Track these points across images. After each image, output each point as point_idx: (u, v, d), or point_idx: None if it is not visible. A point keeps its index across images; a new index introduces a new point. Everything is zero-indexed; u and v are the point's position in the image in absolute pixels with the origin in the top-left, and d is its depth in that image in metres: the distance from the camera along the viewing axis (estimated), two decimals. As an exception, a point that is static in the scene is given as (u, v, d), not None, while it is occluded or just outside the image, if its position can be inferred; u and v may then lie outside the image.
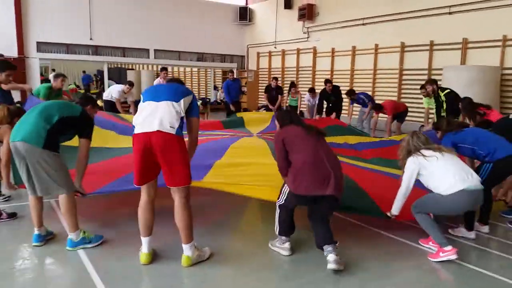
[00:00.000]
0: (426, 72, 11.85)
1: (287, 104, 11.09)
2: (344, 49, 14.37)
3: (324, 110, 10.41)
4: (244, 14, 18.47)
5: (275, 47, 17.59)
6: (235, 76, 10.84)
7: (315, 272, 3.17)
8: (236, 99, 11.08)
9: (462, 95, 9.36)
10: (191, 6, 17.55)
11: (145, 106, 3.12)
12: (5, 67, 5.59)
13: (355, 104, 10.95)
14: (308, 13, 15.28)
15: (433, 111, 7.65)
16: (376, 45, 13.23)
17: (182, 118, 3.11)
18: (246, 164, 4.43)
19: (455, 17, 11.10)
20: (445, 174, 3.34)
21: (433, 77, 11.66)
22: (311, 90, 10.51)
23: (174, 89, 3.22)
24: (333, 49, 14.82)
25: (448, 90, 7.18)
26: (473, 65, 10.29)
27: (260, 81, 18.89)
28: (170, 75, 24.75)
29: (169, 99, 3.09)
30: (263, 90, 11.51)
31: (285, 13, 16.66)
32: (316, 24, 15.45)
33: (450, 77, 10.00)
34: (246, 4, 18.99)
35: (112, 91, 9.30)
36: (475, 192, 3.35)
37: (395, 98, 12.80)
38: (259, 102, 18.85)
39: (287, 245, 3.45)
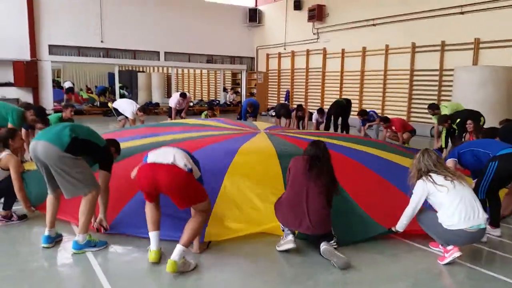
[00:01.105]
0: (437, 73, 11.73)
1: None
2: (354, 50, 14.30)
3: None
4: (254, 16, 18.49)
5: (284, 49, 17.57)
6: (252, 109, 11.12)
7: (323, 275, 3.14)
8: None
9: (474, 96, 9.33)
10: (201, 8, 17.65)
11: (159, 148, 3.35)
12: (42, 114, 6.03)
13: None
14: (317, 14, 15.23)
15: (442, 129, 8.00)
16: (387, 46, 13.13)
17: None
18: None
19: (467, 17, 10.96)
20: (452, 212, 3.30)
21: (444, 78, 11.57)
22: (320, 111, 10.60)
23: (185, 150, 3.39)
24: (343, 50, 14.75)
25: (459, 119, 7.39)
26: (485, 65, 10.14)
27: (269, 83, 18.88)
28: (179, 76, 24.81)
29: (181, 150, 3.30)
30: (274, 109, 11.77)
31: (294, 14, 16.64)
32: (326, 25, 15.40)
33: (462, 77, 9.88)
34: (256, 5, 19.02)
35: (126, 110, 9.34)
36: (475, 233, 3.33)
37: (405, 100, 12.71)
38: (269, 104, 18.85)
39: (290, 237, 3.46)
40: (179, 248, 3.08)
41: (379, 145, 6.49)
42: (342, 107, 10.50)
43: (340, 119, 10.70)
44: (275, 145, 5.43)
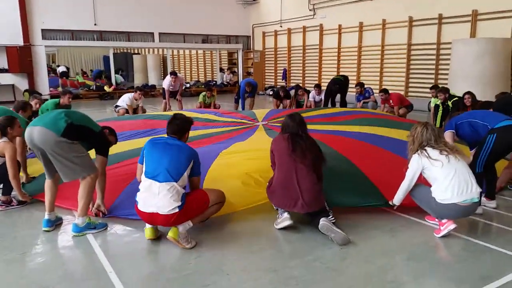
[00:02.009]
0: (435, 46, 11.64)
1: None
2: (351, 26, 14.13)
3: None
4: (249, -7, 18.18)
5: (280, 26, 17.35)
6: (251, 89, 10.92)
7: (321, 250, 3.19)
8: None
9: (471, 69, 9.26)
10: (195, -13, 17.30)
11: (146, 186, 3.18)
12: None
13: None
14: (313, -10, 14.98)
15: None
16: (384, 20, 12.98)
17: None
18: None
19: (465, -12, 10.80)
20: (446, 187, 3.31)
21: (442, 51, 11.48)
22: (317, 86, 10.51)
23: (179, 159, 3.20)
24: (340, 25, 14.57)
25: (456, 98, 7.42)
26: (482, 38, 10.04)
27: (266, 61, 18.72)
28: (176, 59, 24.52)
29: (170, 178, 3.12)
30: (273, 94, 11.51)
31: (290, -10, 16.37)
32: (322, 1, 15.18)
33: (459, 50, 9.80)
34: (250, -18, 18.68)
35: (124, 100, 9.44)
36: (468, 207, 3.34)
37: (403, 75, 12.64)
38: (266, 82, 18.74)
39: (285, 214, 3.50)
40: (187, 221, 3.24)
41: (378, 122, 6.53)
42: (339, 84, 10.47)
43: (338, 96, 10.66)
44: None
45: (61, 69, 18.97)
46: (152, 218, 3.19)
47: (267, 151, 4.20)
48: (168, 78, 10.77)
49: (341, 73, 13.76)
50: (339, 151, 4.80)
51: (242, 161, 4.52)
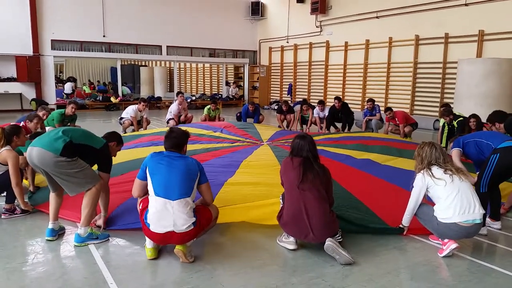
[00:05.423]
0: (441, 65, 11.68)
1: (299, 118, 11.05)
2: (357, 43, 14.23)
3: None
4: (256, 9, 18.42)
5: (287, 42, 17.51)
6: (254, 108, 11.01)
7: (323, 267, 3.16)
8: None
9: (477, 89, 9.27)
10: (203, 1, 17.57)
11: (159, 205, 3.10)
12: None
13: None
14: (320, 7, 15.16)
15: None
16: (390, 38, 13.07)
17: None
18: (254, 183, 4.62)
19: (471, 9, 10.88)
20: (448, 205, 3.31)
21: (447, 70, 11.52)
22: (321, 102, 10.51)
23: (188, 173, 3.17)
24: (346, 42, 14.68)
25: (461, 118, 7.38)
26: (488, 58, 10.06)
27: (272, 76, 18.84)
28: (181, 70, 24.78)
29: (182, 195, 3.11)
30: (277, 109, 11.43)
31: (297, 7, 16.56)
32: (329, 18, 15.33)
33: (465, 70, 9.81)
34: (258, -2, 18.93)
35: (128, 111, 9.51)
36: (470, 227, 3.31)
37: (409, 93, 12.66)
38: (271, 97, 18.84)
39: (292, 238, 3.46)
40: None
41: (382, 149, 6.51)
42: (343, 104, 10.42)
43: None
44: (278, 157, 5.64)
45: (67, 86, 18.89)
46: (166, 238, 3.13)
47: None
48: (175, 105, 10.56)
49: (346, 91, 13.79)
50: (346, 188, 4.62)
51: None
